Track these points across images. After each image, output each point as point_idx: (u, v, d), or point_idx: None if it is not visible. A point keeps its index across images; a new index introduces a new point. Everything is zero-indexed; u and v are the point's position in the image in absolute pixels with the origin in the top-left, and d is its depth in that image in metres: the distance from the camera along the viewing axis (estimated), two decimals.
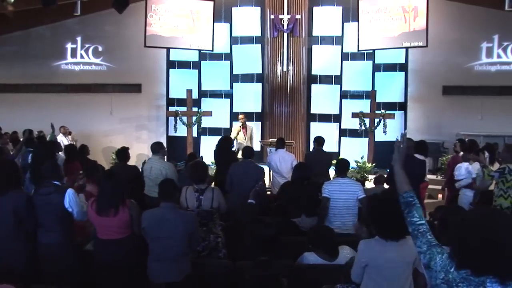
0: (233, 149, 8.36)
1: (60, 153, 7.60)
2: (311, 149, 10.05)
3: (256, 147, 10.98)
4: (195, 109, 11.72)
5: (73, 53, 13.23)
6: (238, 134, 10.13)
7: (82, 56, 13.22)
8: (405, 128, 12.49)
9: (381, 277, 3.00)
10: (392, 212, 2.86)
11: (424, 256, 2.11)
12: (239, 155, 7.63)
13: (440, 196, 9.32)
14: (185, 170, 6.94)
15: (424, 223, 2.23)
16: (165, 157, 7.28)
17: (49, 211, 4.04)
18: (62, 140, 10.51)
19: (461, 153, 7.77)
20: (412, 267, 3.05)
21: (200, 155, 9.60)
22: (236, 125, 10.43)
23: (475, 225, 1.89)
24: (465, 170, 6.80)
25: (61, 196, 4.04)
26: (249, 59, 12.90)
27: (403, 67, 12.76)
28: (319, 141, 7.93)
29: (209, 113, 11.60)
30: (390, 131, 11.35)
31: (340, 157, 10.73)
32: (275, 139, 9.30)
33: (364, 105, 11.95)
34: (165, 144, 10.46)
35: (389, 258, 2.96)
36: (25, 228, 4.06)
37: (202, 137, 12.89)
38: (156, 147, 6.69)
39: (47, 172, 4.18)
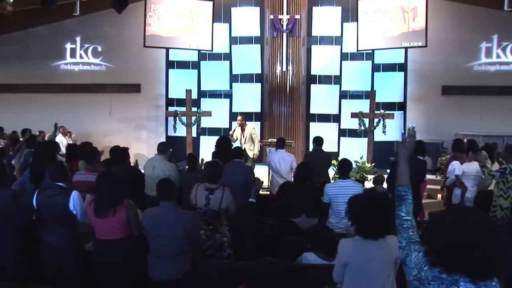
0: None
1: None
2: (310, 149, 10.03)
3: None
4: (194, 109, 11.70)
5: (72, 53, 13.23)
6: (233, 133, 9.81)
7: (81, 56, 13.22)
8: (405, 128, 12.50)
9: (360, 277, 3.01)
10: (369, 210, 2.91)
11: (402, 252, 2.14)
12: None
13: (439, 196, 9.32)
14: (185, 171, 6.94)
15: (409, 219, 2.25)
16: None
17: (54, 213, 4.03)
18: (61, 140, 10.50)
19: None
20: (393, 267, 3.05)
21: (201, 158, 9.52)
22: (237, 129, 9.97)
23: (447, 225, 1.90)
24: (450, 167, 6.84)
25: (66, 198, 4.03)
26: (249, 59, 12.90)
27: (402, 67, 12.76)
28: (318, 141, 7.91)
29: (208, 113, 11.58)
30: (389, 131, 11.35)
31: (340, 157, 10.80)
32: (275, 139, 9.29)
33: (363, 105, 11.94)
34: None
35: (368, 257, 2.97)
36: (15, 224, 4.05)
37: (202, 137, 12.89)
38: (163, 148, 6.70)
39: (53, 173, 4.16)
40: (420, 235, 2.21)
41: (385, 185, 7.01)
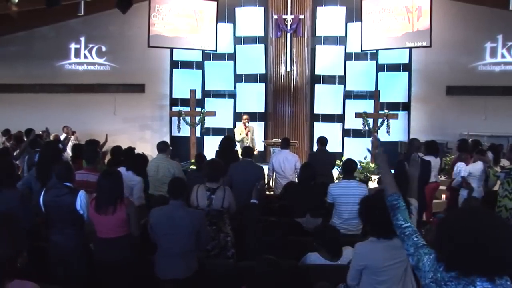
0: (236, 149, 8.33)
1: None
2: (314, 149, 10.00)
3: (259, 147, 10.97)
4: (198, 109, 11.72)
5: (77, 53, 13.28)
6: (243, 134, 10.09)
7: (85, 56, 13.26)
8: (409, 128, 12.49)
9: (380, 277, 2.98)
10: (381, 209, 2.88)
11: (412, 258, 2.13)
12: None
13: (443, 196, 9.28)
14: (192, 170, 6.94)
15: (409, 225, 2.25)
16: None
17: (61, 213, 4.05)
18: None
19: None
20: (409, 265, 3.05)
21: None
22: (240, 126, 10.34)
23: (457, 228, 1.88)
24: (456, 169, 6.82)
25: (73, 198, 4.05)
26: (253, 59, 12.90)
27: (406, 67, 12.74)
28: (323, 141, 7.89)
29: (212, 113, 11.59)
30: (393, 131, 11.33)
31: (344, 157, 10.79)
32: (279, 139, 9.30)
33: (367, 105, 11.94)
34: None
35: (385, 258, 2.95)
36: (22, 226, 4.05)
37: (206, 137, 12.89)
38: (163, 146, 6.74)
39: (60, 173, 4.17)
40: (423, 237, 2.21)
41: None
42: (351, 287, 3.14)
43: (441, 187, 9.42)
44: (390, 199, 2.38)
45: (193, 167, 8.48)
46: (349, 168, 5.62)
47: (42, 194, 4.19)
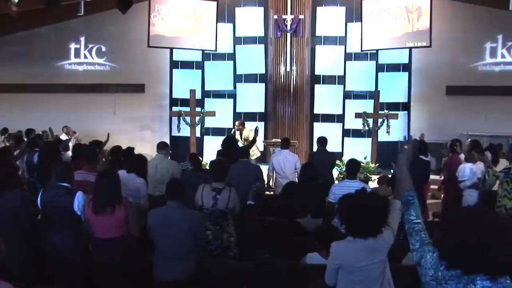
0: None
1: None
2: (314, 149, 9.96)
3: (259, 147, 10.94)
4: (198, 109, 11.72)
5: (77, 53, 13.29)
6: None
7: (85, 56, 13.27)
8: (409, 128, 12.48)
9: (355, 277, 3.00)
10: (360, 208, 2.88)
11: (416, 254, 2.15)
12: None
13: (443, 196, 9.28)
14: (190, 170, 6.95)
15: (419, 222, 2.28)
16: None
17: (59, 213, 4.05)
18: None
19: (461, 154, 7.73)
20: (386, 265, 3.07)
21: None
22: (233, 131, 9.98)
23: (459, 227, 1.90)
24: (470, 170, 6.80)
25: (71, 199, 4.05)
26: (252, 59, 12.89)
27: (406, 67, 12.74)
28: (323, 141, 7.89)
29: (212, 113, 11.59)
30: (393, 131, 11.33)
31: (344, 157, 10.80)
32: (279, 139, 9.28)
33: (367, 105, 11.94)
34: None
35: (361, 258, 2.97)
36: (23, 228, 4.06)
37: (206, 137, 12.89)
38: (163, 145, 6.78)
39: (58, 174, 4.17)
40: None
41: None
42: (329, 286, 3.15)
43: (432, 186, 9.39)
44: (406, 195, 2.40)
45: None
46: (353, 168, 5.65)
47: (40, 194, 4.19)
